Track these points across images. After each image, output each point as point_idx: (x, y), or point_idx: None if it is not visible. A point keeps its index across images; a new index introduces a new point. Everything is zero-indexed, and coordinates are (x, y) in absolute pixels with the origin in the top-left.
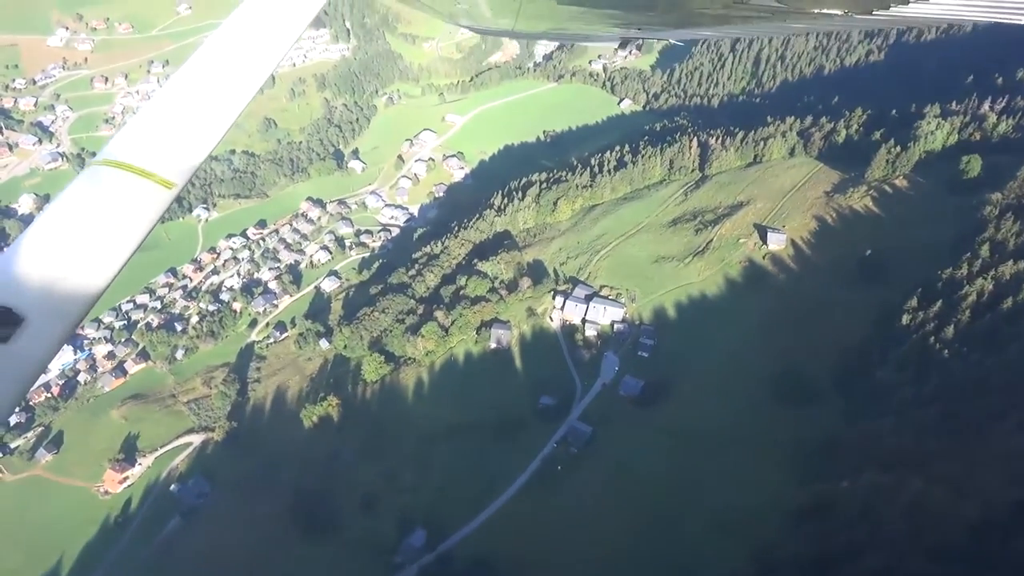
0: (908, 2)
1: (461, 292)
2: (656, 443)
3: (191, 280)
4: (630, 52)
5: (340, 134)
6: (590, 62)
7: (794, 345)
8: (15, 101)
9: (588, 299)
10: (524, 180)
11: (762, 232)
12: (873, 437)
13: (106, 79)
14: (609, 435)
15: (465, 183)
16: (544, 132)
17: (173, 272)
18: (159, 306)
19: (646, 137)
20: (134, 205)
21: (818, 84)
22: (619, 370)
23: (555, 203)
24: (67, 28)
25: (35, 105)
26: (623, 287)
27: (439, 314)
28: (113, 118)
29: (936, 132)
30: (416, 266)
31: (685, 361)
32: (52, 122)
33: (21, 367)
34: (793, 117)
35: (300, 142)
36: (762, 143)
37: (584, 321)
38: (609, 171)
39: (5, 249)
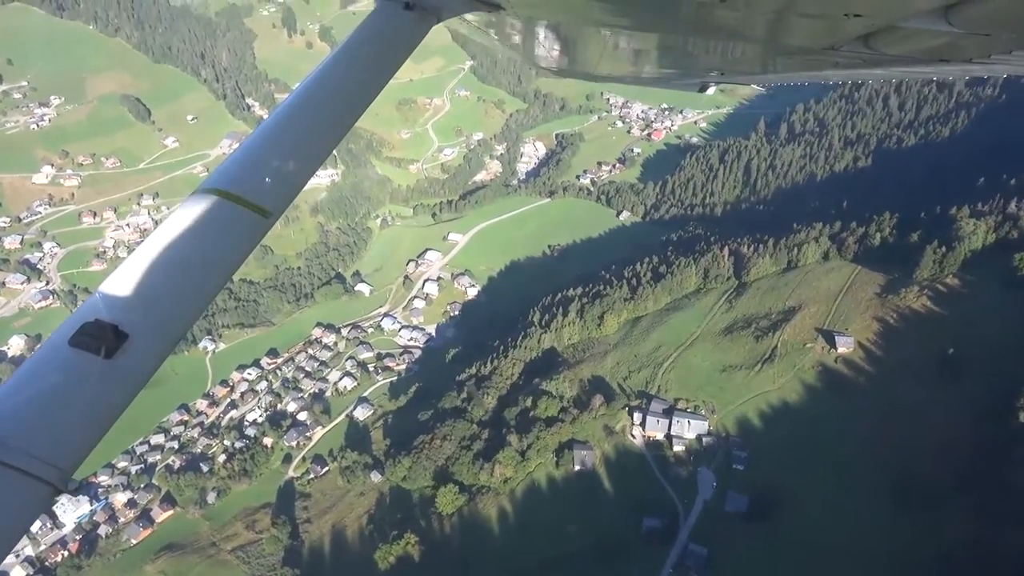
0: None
1: (531, 414)
2: (779, 562)
3: (207, 416)
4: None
5: (339, 257)
6: (577, 177)
7: (899, 448)
8: None
9: (667, 413)
10: (559, 295)
11: (827, 336)
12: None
13: (94, 214)
14: (727, 555)
15: (479, 301)
16: (549, 247)
17: (186, 408)
18: (176, 446)
19: (670, 248)
20: (233, 232)
21: (813, 190)
22: (717, 485)
23: (601, 317)
24: (52, 165)
25: (21, 243)
26: (698, 399)
27: (512, 438)
28: (104, 252)
29: (976, 232)
30: (465, 389)
31: (785, 472)
32: (40, 259)
33: (124, 382)
34: (821, 223)
35: (299, 267)
36: (796, 249)
37: (669, 436)
38: (649, 283)
39: (115, 271)
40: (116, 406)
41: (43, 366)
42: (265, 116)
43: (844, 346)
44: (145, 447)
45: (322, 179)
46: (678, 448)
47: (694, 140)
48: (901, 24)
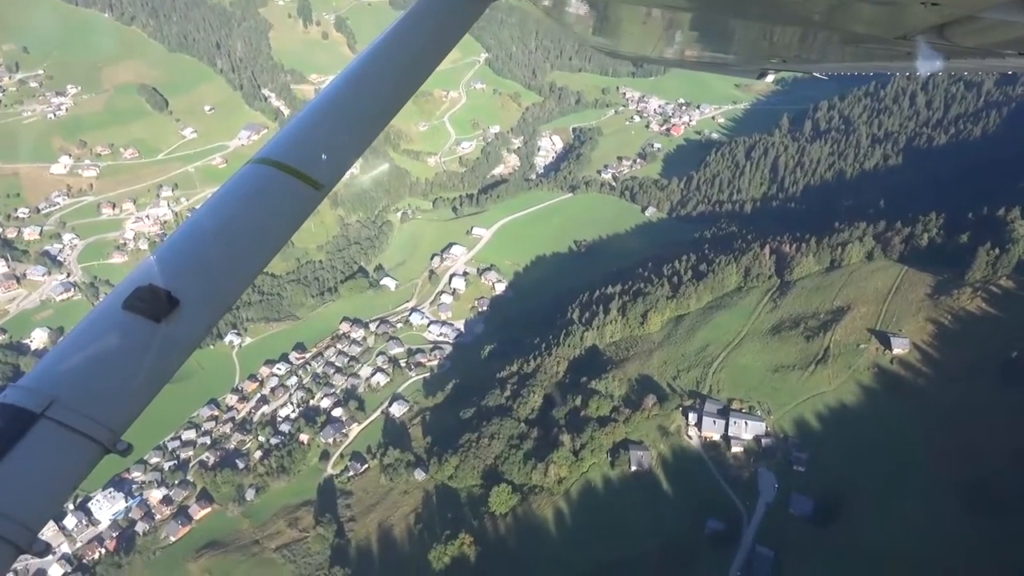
0: None
1: (583, 413)
2: (849, 567)
3: (237, 411)
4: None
5: (361, 251)
6: (598, 172)
7: (967, 453)
8: (19, 231)
9: (723, 414)
10: (598, 293)
11: (881, 337)
12: None
13: (114, 205)
14: (794, 560)
15: (506, 297)
16: (575, 242)
17: (215, 403)
18: (208, 441)
19: (706, 246)
20: (285, 203)
21: (844, 188)
22: (778, 487)
23: (644, 315)
24: (70, 155)
25: (40, 234)
26: (752, 400)
27: (565, 437)
28: (124, 244)
29: None
30: (508, 387)
31: (847, 474)
32: (60, 251)
33: (174, 347)
34: (864, 222)
35: (320, 261)
36: (840, 248)
37: (726, 437)
38: (691, 281)
39: (168, 238)
40: (166, 371)
41: (96, 328)
42: (282, 107)
43: (900, 347)
44: (177, 443)
45: None
46: (736, 449)
47: (714, 136)
48: (980, 15)
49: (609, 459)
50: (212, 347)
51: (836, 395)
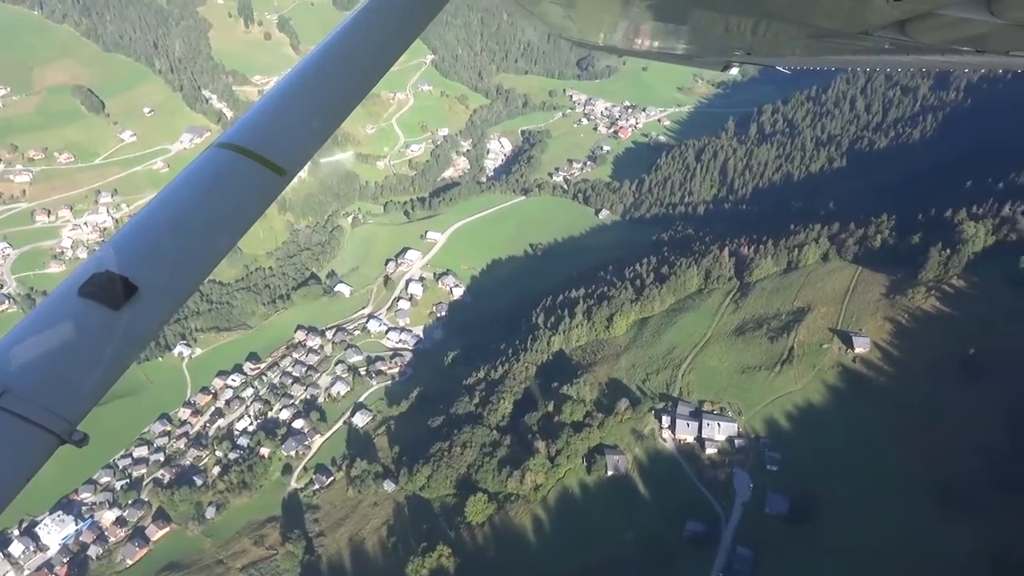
0: None
1: (557, 419)
2: (826, 565)
3: (191, 425)
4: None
5: (312, 257)
6: (549, 175)
7: (933, 448)
8: None
9: (696, 416)
10: (561, 297)
11: (843, 336)
12: None
13: (49, 212)
14: (773, 558)
15: (465, 302)
16: (531, 245)
17: (168, 418)
18: (162, 458)
19: (665, 248)
20: (248, 189)
21: (792, 190)
22: (754, 487)
23: (610, 319)
24: (0, 160)
25: None
26: (722, 401)
27: (540, 444)
28: (62, 253)
29: (978, 235)
30: (476, 393)
31: (819, 472)
32: None
33: (132, 335)
34: (820, 224)
35: (270, 267)
36: (796, 250)
37: (699, 439)
38: (654, 284)
39: (126, 224)
40: (123, 359)
41: (51, 315)
42: (224, 109)
43: (862, 347)
44: (128, 460)
45: None
46: (710, 451)
47: (662, 138)
48: (941, 11)
49: (585, 464)
50: (160, 359)
51: (803, 394)
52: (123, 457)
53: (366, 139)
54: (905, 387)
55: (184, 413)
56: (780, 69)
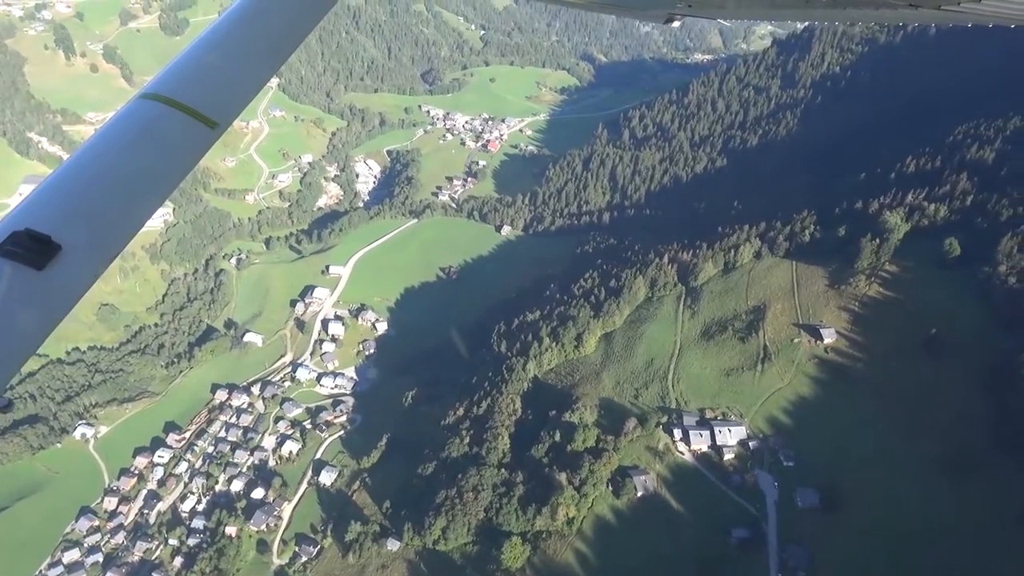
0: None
1: (569, 448)
2: (871, 547)
3: (124, 515)
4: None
5: (203, 306)
6: (433, 194)
7: (928, 424)
8: None
9: (704, 424)
10: (517, 321)
11: (809, 329)
12: None
13: None
14: (822, 549)
15: (390, 336)
16: (442, 269)
17: (92, 512)
18: (101, 559)
19: (600, 261)
20: (177, 142)
21: (682, 191)
22: (779, 485)
23: (578, 338)
24: None
25: None
26: (721, 406)
27: (561, 476)
28: None
29: (901, 224)
30: (463, 432)
31: (834, 462)
32: None
33: (57, 296)
34: (748, 225)
35: (155, 323)
36: (732, 251)
37: (715, 447)
38: (612, 298)
39: (46, 178)
40: (48, 321)
41: None
42: (59, 152)
43: (829, 337)
44: (59, 569)
45: (154, 221)
46: (728, 456)
47: (532, 149)
48: None
49: (611, 490)
50: (60, 445)
51: (792, 389)
52: (52, 566)
53: (228, 173)
54: (880, 371)
55: (109, 503)
56: (722, 22)
